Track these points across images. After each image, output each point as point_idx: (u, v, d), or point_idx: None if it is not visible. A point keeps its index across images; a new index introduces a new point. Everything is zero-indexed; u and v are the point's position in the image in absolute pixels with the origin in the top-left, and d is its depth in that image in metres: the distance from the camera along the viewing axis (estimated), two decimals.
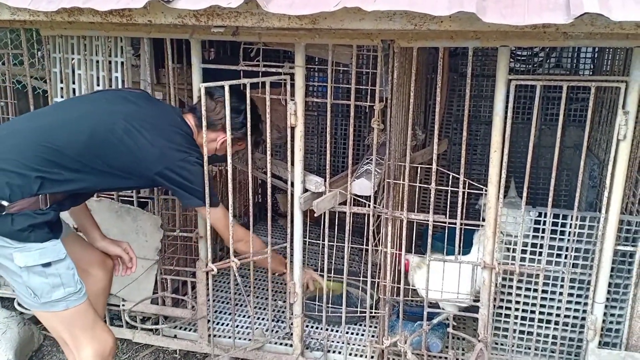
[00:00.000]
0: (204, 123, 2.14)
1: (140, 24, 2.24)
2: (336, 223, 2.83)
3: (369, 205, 2.47)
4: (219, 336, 2.76)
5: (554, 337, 2.39)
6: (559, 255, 2.31)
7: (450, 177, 2.40)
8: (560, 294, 2.33)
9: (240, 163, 2.81)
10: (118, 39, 2.61)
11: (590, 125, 2.19)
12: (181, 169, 2.06)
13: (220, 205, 2.24)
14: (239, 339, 2.73)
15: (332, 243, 2.59)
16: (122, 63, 2.64)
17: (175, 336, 2.81)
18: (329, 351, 2.65)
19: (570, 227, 2.23)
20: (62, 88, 2.71)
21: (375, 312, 2.57)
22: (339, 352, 2.65)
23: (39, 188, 1.87)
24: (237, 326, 2.83)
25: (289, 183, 2.52)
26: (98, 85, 2.67)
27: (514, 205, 2.71)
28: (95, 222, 2.34)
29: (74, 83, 2.70)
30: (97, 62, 2.66)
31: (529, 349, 2.43)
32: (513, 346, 2.42)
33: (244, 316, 2.93)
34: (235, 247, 2.32)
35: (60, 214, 2.01)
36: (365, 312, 2.61)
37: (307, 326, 2.75)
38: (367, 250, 2.56)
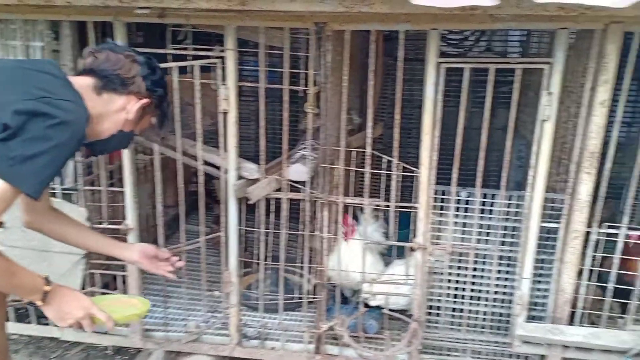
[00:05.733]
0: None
1: (59, 6, 2.13)
2: (273, 210, 2.80)
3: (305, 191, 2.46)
4: (153, 330, 2.68)
5: (485, 313, 2.47)
6: (488, 234, 2.38)
7: (388, 160, 2.40)
8: (490, 271, 2.40)
9: (170, 150, 2.71)
10: (37, 23, 2.45)
11: (517, 106, 2.24)
12: (35, 107, 1.37)
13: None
14: (174, 332, 2.65)
15: (268, 230, 2.56)
16: (43, 47, 2.48)
17: (106, 332, 2.70)
18: (266, 339, 2.63)
19: (498, 206, 2.30)
20: None
21: (312, 298, 2.57)
22: (277, 340, 2.63)
23: None
24: (172, 319, 2.75)
25: (223, 170, 2.46)
26: None
27: None
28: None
29: None
30: (15, 47, 2.48)
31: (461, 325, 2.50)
32: (445, 324, 2.49)
33: (178, 308, 2.85)
34: None
35: None
36: (303, 298, 2.60)
37: (244, 315, 2.71)
38: (304, 235, 2.54)
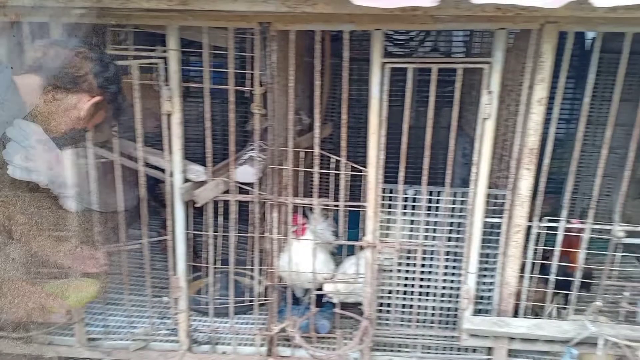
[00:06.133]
0: None
1: None
2: (221, 212, 2.77)
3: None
4: (99, 338, 2.59)
5: (434, 308, 2.51)
6: (435, 230, 2.42)
7: (337, 160, 2.41)
8: (437, 266, 2.45)
9: (111, 154, 2.64)
10: None
11: (461, 105, 2.29)
12: None
13: None
14: (121, 339, 2.58)
15: (217, 233, 2.52)
16: None
17: (50, 343, 2.61)
18: (217, 343, 2.59)
19: (444, 203, 2.35)
20: None
21: (264, 300, 2.55)
22: (228, 344, 2.60)
23: None
24: (119, 327, 2.68)
25: (168, 173, 2.41)
26: None
27: None
28: None
29: None
30: None
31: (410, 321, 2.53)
32: (395, 320, 2.52)
33: (127, 316, 2.78)
34: None
35: None
36: (254, 301, 2.57)
37: (194, 320, 2.67)
38: (253, 237, 2.52)
